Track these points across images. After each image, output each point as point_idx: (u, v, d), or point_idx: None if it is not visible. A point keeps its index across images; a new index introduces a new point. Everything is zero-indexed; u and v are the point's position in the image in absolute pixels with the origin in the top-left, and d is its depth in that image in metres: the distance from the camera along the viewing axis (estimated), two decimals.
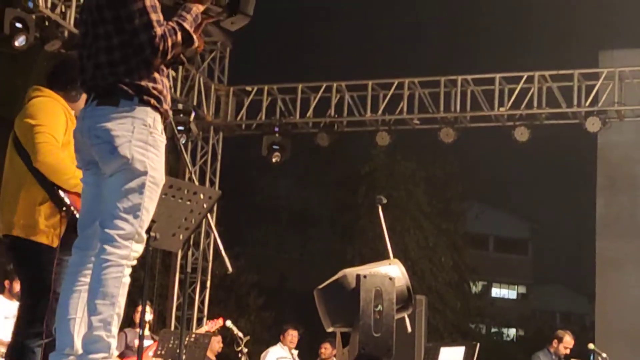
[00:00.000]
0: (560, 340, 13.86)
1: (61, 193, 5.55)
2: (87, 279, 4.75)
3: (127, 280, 4.71)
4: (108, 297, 4.63)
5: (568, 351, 13.78)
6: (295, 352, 14.18)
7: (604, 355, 13.34)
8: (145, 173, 4.75)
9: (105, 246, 4.68)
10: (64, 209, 5.53)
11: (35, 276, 5.53)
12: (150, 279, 7.32)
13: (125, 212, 4.71)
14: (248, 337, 14.41)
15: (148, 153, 4.76)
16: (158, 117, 4.85)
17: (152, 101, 4.80)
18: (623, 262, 20.31)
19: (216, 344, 14.40)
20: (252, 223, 35.12)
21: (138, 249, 4.77)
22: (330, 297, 4.14)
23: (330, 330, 4.16)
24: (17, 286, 9.92)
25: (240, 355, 13.85)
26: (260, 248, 35.09)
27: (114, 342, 4.67)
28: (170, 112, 5.01)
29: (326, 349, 14.36)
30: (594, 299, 21.36)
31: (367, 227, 29.34)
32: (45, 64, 14.12)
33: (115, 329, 4.67)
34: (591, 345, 14.52)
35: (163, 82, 4.89)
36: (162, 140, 4.86)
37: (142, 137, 4.76)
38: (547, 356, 13.91)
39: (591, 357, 15.65)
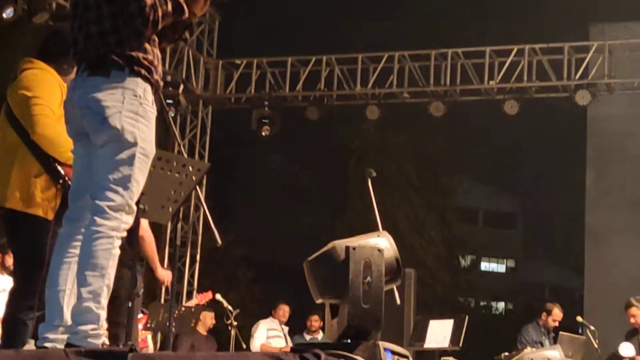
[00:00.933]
0: (549, 313, 13.90)
1: (57, 166, 5.53)
2: (77, 251, 4.74)
3: (117, 252, 4.69)
4: (98, 269, 4.61)
5: (557, 324, 13.82)
6: (286, 328, 14.21)
7: (592, 328, 13.38)
8: (135, 144, 4.73)
9: (96, 217, 4.66)
10: (60, 181, 5.51)
11: (30, 249, 5.51)
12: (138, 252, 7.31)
13: (115, 184, 4.69)
14: (237, 311, 14.42)
15: (138, 124, 4.74)
16: (148, 87, 4.82)
17: (143, 72, 4.77)
18: (612, 235, 20.37)
19: (209, 319, 14.43)
20: (242, 197, 35.12)
21: (128, 220, 4.76)
22: (319, 268, 4.14)
23: (319, 301, 4.15)
24: (9, 260, 9.88)
25: (229, 328, 13.88)
26: (250, 222, 35.11)
27: (103, 314, 4.65)
28: (161, 83, 4.99)
29: (315, 322, 14.40)
30: (583, 272, 21.43)
31: (357, 201, 29.38)
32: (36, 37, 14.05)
33: (104, 300, 4.66)
34: (579, 318, 14.57)
35: (154, 53, 4.87)
36: (152, 111, 4.84)
37: (133, 107, 4.74)
38: (536, 329, 13.96)
39: (580, 330, 15.73)
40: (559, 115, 23.78)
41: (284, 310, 14.31)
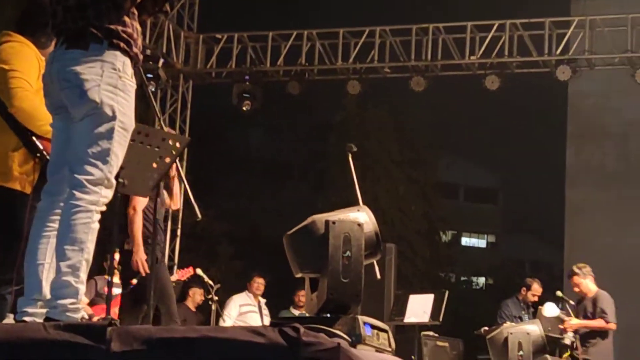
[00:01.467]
0: (528, 287, 13.97)
1: (35, 139, 5.49)
2: (56, 225, 4.72)
3: (96, 226, 4.68)
4: (77, 243, 4.59)
5: (536, 298, 13.90)
6: (263, 301, 14.16)
7: (572, 302, 13.44)
8: (114, 118, 4.71)
9: (75, 191, 4.64)
10: (38, 155, 5.48)
11: (8, 223, 5.48)
12: (118, 226, 7.29)
13: (94, 158, 4.67)
14: (219, 285, 14.42)
15: (117, 97, 4.72)
16: (128, 61, 4.80)
17: (122, 44, 4.75)
18: (592, 210, 20.45)
19: (198, 295, 14.43)
20: (223, 172, 35.06)
21: (107, 194, 4.74)
22: (298, 243, 4.13)
23: (298, 275, 4.15)
24: None
25: (210, 302, 13.88)
26: (232, 197, 35.07)
27: (82, 288, 4.64)
28: (141, 57, 4.97)
29: (303, 296, 14.33)
30: (562, 247, 21.51)
31: (338, 176, 29.39)
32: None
33: (83, 275, 4.65)
34: (559, 293, 14.63)
35: (133, 26, 4.84)
36: (131, 84, 4.82)
37: (112, 81, 4.71)
38: (516, 304, 14.03)
39: (559, 305, 15.79)
40: (540, 90, 23.80)
41: (259, 283, 14.20)
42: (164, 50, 16.71)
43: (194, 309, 14.57)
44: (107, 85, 4.70)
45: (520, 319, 13.67)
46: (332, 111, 31.94)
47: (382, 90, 22.33)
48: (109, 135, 4.70)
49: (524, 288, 14.07)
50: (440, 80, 17.00)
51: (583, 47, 15.95)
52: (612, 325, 12.34)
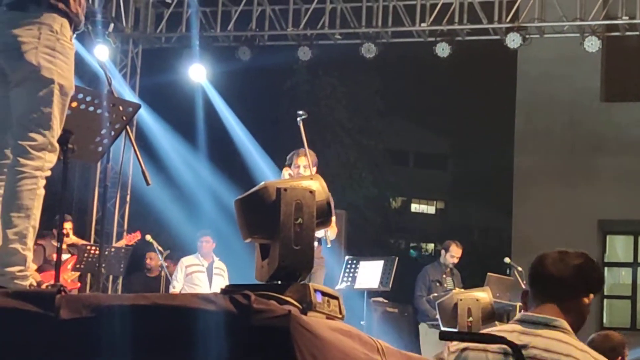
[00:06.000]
0: (447, 250, 14.00)
1: None
2: (1, 191, 4.67)
3: (41, 192, 4.62)
4: (23, 210, 4.54)
5: (455, 260, 13.90)
6: (217, 259, 14.09)
7: (520, 269, 13.58)
8: (52, 81, 4.65)
9: (19, 158, 4.58)
10: None
11: None
12: (69, 192, 7.23)
13: (35, 123, 4.61)
14: (168, 251, 14.39)
15: (56, 60, 4.66)
16: (66, 22, 4.73)
17: (60, 5, 4.68)
18: (540, 178, 20.62)
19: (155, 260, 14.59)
20: None
21: (52, 159, 4.68)
22: (249, 208, 4.11)
23: (248, 241, 4.14)
24: None
25: (160, 269, 13.86)
26: None
27: (30, 255, 4.60)
28: (82, 19, 4.90)
29: None
30: (511, 214, 21.69)
31: (288, 142, 29.34)
32: None
33: (30, 242, 4.60)
34: (507, 260, 14.78)
35: None
36: (70, 47, 4.76)
37: (49, 43, 4.65)
38: (436, 268, 14.06)
39: (507, 271, 15.95)
40: (490, 58, 23.87)
41: (205, 241, 14.19)
42: (113, 15, 16.54)
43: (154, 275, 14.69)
44: (45, 47, 4.63)
45: (440, 282, 13.75)
46: (282, 77, 31.83)
47: (332, 56, 22.27)
48: (48, 99, 4.64)
49: (443, 250, 14.12)
50: (391, 47, 17.00)
51: (533, 15, 16.01)
52: None
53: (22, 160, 4.58)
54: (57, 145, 4.72)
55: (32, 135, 4.61)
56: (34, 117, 4.62)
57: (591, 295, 3.99)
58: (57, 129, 4.71)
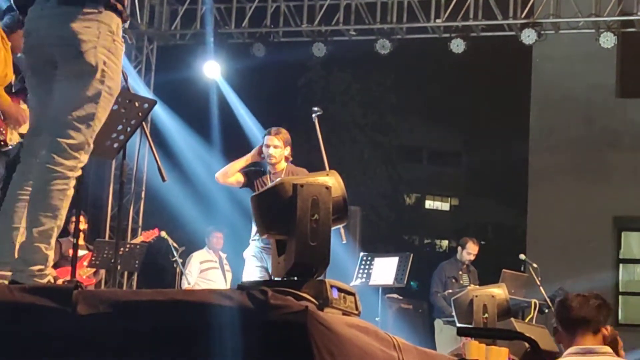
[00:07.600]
0: (463, 246, 14.00)
1: None
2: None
3: (71, 192, 4.58)
4: (51, 209, 4.50)
5: (472, 257, 13.90)
6: (224, 255, 14.10)
7: (535, 265, 13.54)
8: (103, 82, 4.60)
9: (54, 155, 4.53)
10: None
11: None
12: (84, 188, 7.24)
13: (78, 122, 4.56)
14: (183, 248, 14.39)
15: (109, 62, 4.62)
16: (120, 23, 4.72)
17: (118, 6, 4.67)
18: (554, 174, 20.54)
19: None
20: None
21: (86, 159, 4.63)
22: (266, 204, 4.12)
23: (264, 237, 4.14)
24: None
25: (175, 265, 13.86)
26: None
27: (51, 255, 4.57)
28: (128, 19, 4.89)
29: None
30: (526, 211, 21.62)
31: (302, 139, 29.32)
32: None
33: (54, 241, 4.57)
34: (522, 256, 14.72)
35: None
36: (122, 48, 4.74)
37: (107, 44, 4.61)
38: (452, 264, 14.06)
39: (522, 268, 15.92)
40: (505, 54, 23.79)
41: (217, 237, 14.19)
42: (128, 12, 16.50)
43: None
44: (103, 48, 4.60)
45: (455, 279, 13.75)
46: (297, 74, 31.80)
47: (347, 53, 22.25)
48: (95, 99, 4.59)
49: (460, 247, 14.12)
50: (406, 43, 16.97)
51: (548, 11, 15.96)
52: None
53: (57, 159, 4.52)
54: (92, 146, 4.69)
55: (72, 133, 4.55)
56: (78, 116, 4.57)
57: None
58: (97, 130, 4.66)
